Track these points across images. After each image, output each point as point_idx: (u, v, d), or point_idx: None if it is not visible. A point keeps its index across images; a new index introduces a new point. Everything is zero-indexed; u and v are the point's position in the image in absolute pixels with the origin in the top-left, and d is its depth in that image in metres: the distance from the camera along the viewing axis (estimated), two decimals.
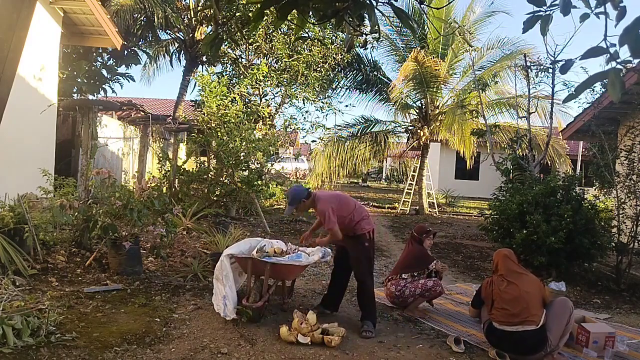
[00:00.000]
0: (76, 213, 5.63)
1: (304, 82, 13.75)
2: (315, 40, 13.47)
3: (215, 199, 9.68)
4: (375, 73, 15.42)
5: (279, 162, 13.99)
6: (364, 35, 2.66)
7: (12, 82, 2.62)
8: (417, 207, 14.57)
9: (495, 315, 3.76)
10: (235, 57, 14.31)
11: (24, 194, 5.52)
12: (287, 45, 13.27)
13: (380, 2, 2.25)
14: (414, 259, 4.90)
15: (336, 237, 4.28)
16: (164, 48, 18.23)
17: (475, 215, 14.18)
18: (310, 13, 2.18)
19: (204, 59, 16.54)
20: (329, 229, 4.25)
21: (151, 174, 10.74)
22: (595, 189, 8.70)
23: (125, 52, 15.68)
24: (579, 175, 8.28)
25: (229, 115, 9.66)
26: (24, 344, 3.31)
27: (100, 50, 15.09)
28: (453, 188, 19.67)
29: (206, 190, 9.66)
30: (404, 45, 15.02)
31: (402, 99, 14.13)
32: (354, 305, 4.92)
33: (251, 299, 4.22)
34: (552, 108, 8.70)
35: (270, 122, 13.30)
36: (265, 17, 8.89)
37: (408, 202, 14.87)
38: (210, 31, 14.75)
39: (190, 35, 16.38)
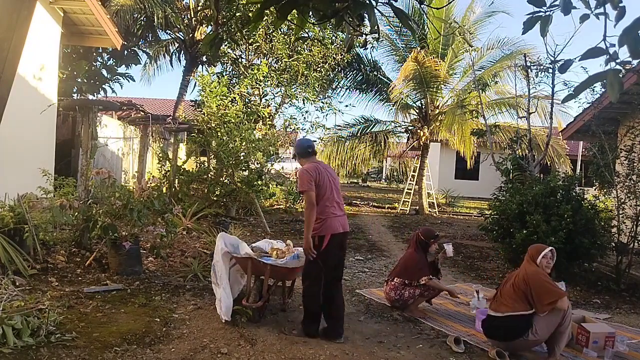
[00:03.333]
0: (76, 213, 5.64)
1: (304, 82, 13.75)
2: (315, 40, 13.48)
3: (215, 199, 9.68)
4: (375, 73, 15.42)
5: (279, 162, 14.00)
6: (363, 35, 2.66)
7: (12, 82, 2.62)
8: (417, 207, 14.58)
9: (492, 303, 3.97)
10: (235, 57, 14.32)
11: (24, 194, 5.52)
12: (287, 45, 13.28)
13: (380, 2, 2.25)
14: (410, 267, 4.82)
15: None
16: (164, 48, 18.24)
17: (475, 215, 14.18)
18: (310, 13, 2.18)
19: (204, 59, 16.55)
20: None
21: (151, 174, 10.74)
22: (595, 189, 8.69)
23: (125, 52, 15.68)
24: (579, 175, 8.28)
25: (229, 115, 9.66)
26: (24, 344, 3.31)
27: (100, 50, 15.09)
28: (453, 188, 19.67)
29: (206, 190, 9.66)
30: (404, 45, 15.03)
31: (402, 99, 14.13)
32: (354, 305, 4.93)
33: (251, 299, 4.22)
34: (552, 108, 8.69)
35: (270, 122, 13.31)
36: (265, 17, 8.90)
37: (408, 202, 14.87)
38: (210, 31, 14.76)
39: (190, 35, 16.39)
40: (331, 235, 3.97)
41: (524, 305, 3.69)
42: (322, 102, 15.26)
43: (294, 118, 15.15)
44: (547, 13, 1.88)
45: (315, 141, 16.20)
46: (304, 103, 14.87)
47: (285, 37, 13.20)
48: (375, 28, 2.27)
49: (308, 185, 3.94)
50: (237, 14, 12.12)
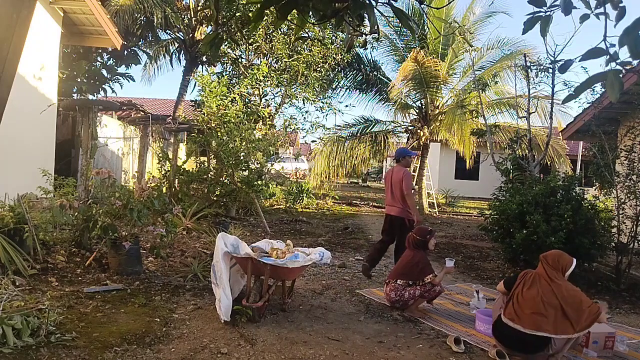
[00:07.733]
0: (76, 213, 5.63)
1: (304, 82, 13.76)
2: (315, 40, 13.48)
3: (215, 199, 9.68)
4: (375, 73, 15.43)
5: (279, 162, 14.00)
6: (363, 35, 2.65)
7: (12, 82, 2.61)
8: (417, 207, 14.55)
9: (508, 310, 3.71)
10: (235, 57, 14.31)
11: (24, 194, 5.51)
12: (287, 45, 13.28)
13: (380, 2, 2.25)
14: (413, 268, 4.84)
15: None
16: (164, 48, 18.26)
17: (475, 215, 14.17)
18: (310, 13, 2.18)
19: (204, 59, 16.57)
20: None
21: (151, 174, 10.73)
22: (595, 189, 8.68)
23: (125, 52, 15.71)
24: (579, 175, 8.27)
25: (229, 115, 9.66)
26: (24, 344, 3.31)
27: (100, 50, 15.12)
28: (453, 188, 19.67)
29: (206, 190, 9.65)
30: (403, 45, 15.03)
31: (401, 99, 14.13)
32: (354, 305, 4.93)
33: (251, 299, 4.22)
34: (552, 108, 8.68)
35: (270, 122, 13.31)
36: (265, 17, 8.89)
37: None
38: (210, 31, 14.74)
39: (190, 35, 16.40)
40: (385, 214, 6.46)
41: (550, 325, 3.53)
42: (322, 102, 15.27)
43: (294, 118, 15.18)
44: (548, 13, 1.88)
45: (315, 141, 16.27)
46: (304, 103, 14.90)
47: (285, 37, 13.20)
48: (375, 28, 2.27)
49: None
50: (237, 14, 12.11)
